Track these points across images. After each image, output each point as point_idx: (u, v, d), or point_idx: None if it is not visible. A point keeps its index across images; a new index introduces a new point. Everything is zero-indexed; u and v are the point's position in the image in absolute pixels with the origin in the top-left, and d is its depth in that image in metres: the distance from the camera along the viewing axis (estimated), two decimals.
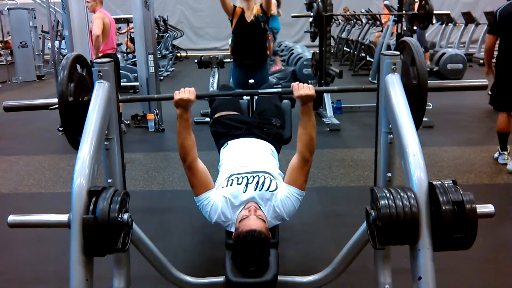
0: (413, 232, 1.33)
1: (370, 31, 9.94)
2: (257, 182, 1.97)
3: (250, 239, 1.73)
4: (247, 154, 2.19)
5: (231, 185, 1.98)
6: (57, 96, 1.62)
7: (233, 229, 1.91)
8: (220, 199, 1.95)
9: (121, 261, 1.88)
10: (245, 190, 1.94)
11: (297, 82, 1.98)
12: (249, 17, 4.38)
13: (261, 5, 4.40)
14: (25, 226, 1.49)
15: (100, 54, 4.94)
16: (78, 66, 1.73)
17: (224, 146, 2.33)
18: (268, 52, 4.67)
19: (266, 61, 4.69)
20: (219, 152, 2.37)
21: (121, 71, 7.43)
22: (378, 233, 1.37)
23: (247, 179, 1.99)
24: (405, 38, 1.76)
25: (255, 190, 1.94)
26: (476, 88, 1.80)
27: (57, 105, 1.63)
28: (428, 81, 1.65)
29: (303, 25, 13.10)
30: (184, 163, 1.99)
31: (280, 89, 2.17)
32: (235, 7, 4.42)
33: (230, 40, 4.88)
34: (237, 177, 2.01)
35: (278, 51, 9.51)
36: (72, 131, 1.68)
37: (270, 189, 1.96)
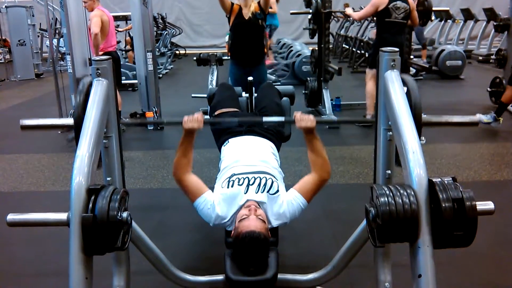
0: (413, 229, 1.33)
1: (369, 28, 9.93)
2: (259, 184, 1.96)
3: (250, 240, 1.72)
4: (248, 153, 2.17)
5: (232, 186, 1.96)
6: (73, 119, 1.67)
7: (231, 228, 1.89)
8: (217, 201, 1.93)
9: (120, 259, 1.88)
10: (246, 191, 1.93)
11: (299, 113, 2.03)
12: (246, 14, 4.37)
13: (259, 3, 4.39)
14: (24, 224, 1.49)
15: (100, 53, 4.92)
16: None
17: (225, 144, 2.32)
18: (265, 50, 4.65)
19: (264, 59, 4.67)
20: (219, 150, 2.36)
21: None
22: (378, 231, 1.37)
23: (248, 180, 1.97)
24: (403, 76, 1.73)
25: (256, 192, 1.93)
26: (467, 124, 1.81)
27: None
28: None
29: (302, 22, 13.08)
30: (174, 176, 2.02)
31: (283, 119, 2.24)
32: (232, 4, 4.41)
33: (227, 38, 4.85)
34: (238, 178, 1.99)
35: (271, 46, 9.48)
36: None
37: (271, 191, 1.95)
